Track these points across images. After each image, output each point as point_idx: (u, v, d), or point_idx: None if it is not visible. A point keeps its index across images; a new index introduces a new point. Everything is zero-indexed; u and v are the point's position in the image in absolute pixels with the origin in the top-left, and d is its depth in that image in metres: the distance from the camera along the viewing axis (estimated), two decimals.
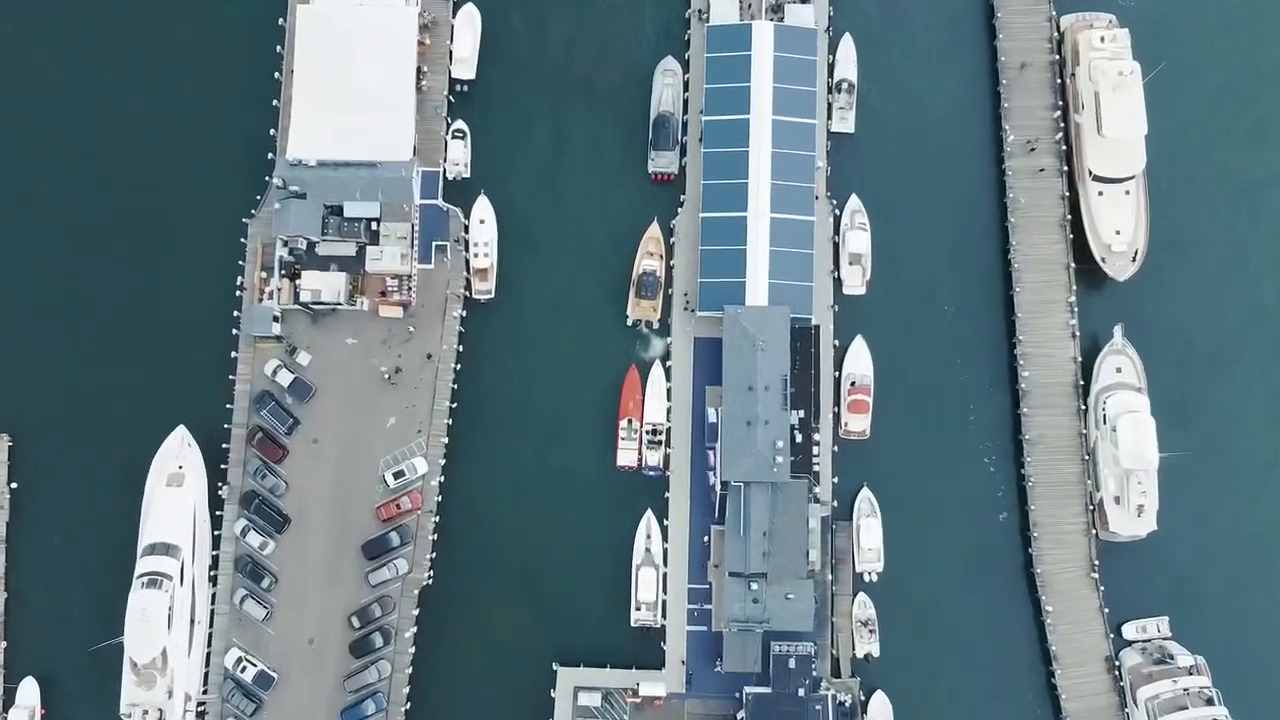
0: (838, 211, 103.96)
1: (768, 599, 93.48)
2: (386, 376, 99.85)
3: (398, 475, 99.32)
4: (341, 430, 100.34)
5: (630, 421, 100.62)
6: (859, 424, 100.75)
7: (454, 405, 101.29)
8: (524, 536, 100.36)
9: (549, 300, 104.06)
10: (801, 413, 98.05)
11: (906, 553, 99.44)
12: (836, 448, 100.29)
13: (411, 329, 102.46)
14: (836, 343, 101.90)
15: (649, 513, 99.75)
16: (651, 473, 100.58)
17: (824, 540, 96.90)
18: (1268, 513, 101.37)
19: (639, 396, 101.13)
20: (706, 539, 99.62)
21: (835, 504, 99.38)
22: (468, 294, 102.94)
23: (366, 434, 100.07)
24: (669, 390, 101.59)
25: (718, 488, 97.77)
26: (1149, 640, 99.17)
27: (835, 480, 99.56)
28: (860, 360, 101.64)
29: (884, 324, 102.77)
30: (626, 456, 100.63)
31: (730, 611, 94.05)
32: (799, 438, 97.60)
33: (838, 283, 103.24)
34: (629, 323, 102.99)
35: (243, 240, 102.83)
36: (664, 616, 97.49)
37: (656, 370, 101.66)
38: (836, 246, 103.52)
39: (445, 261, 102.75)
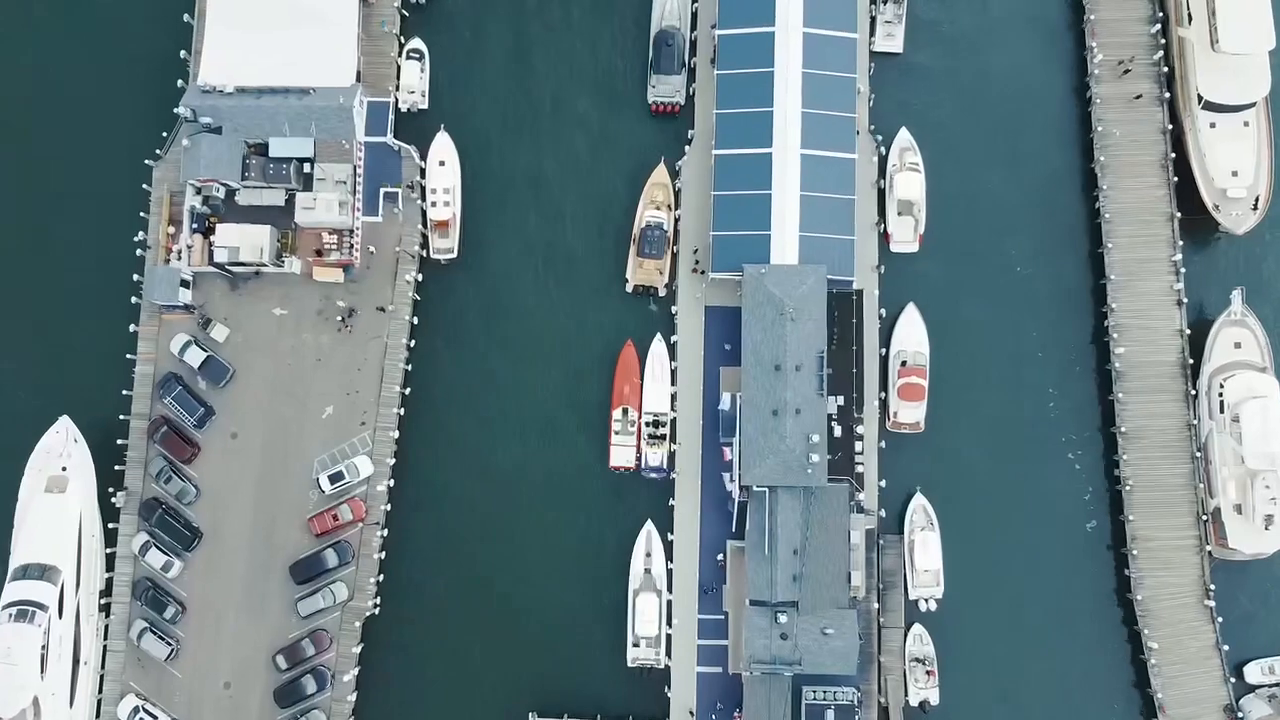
0: (883, 149, 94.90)
1: (799, 634, 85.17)
2: (340, 321, 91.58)
3: (336, 478, 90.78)
4: (266, 422, 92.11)
5: (626, 411, 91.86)
6: (911, 414, 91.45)
7: (406, 392, 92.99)
8: (494, 555, 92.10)
9: (526, 262, 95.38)
10: (841, 399, 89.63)
11: (972, 574, 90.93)
12: (884, 443, 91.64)
13: (349, 308, 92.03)
14: (883, 312, 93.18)
15: (649, 525, 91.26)
16: (653, 475, 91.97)
17: (869, 560, 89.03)
18: None
19: (636, 380, 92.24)
20: (720, 558, 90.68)
21: (883, 514, 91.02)
22: (424, 253, 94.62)
23: (297, 427, 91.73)
24: (674, 372, 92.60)
25: (736, 494, 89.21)
26: (1278, 685, 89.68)
27: (883, 484, 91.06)
28: (913, 334, 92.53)
29: (942, 289, 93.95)
30: (622, 455, 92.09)
31: (752, 650, 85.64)
32: (838, 431, 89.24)
33: (884, 237, 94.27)
34: (629, 289, 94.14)
35: (145, 187, 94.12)
36: (668, 655, 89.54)
37: (658, 347, 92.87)
38: (882, 192, 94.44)
39: (396, 213, 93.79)
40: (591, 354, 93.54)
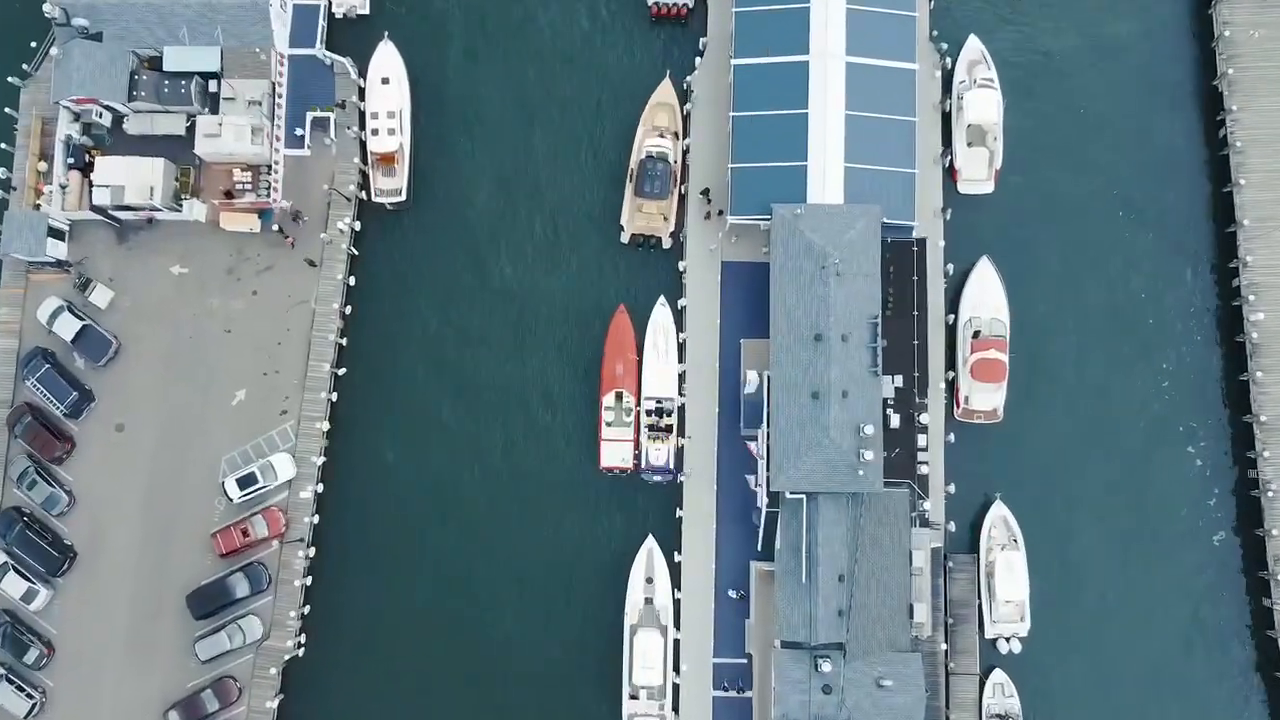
0: (949, 61, 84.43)
1: (847, 686, 75.01)
2: (279, 231, 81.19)
3: (247, 483, 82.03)
4: (160, 411, 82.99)
5: (620, 397, 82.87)
6: (988, 399, 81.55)
7: (340, 373, 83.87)
8: (451, 582, 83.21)
9: (493, 206, 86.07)
10: (899, 380, 79.87)
11: (1065, 605, 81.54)
12: (953, 436, 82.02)
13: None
14: (950, 268, 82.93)
15: (650, 542, 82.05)
16: (656, 478, 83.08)
17: (936, 588, 79.79)
18: None
19: (633, 357, 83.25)
20: (733, 593, 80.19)
21: (953, 528, 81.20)
22: (364, 196, 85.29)
23: (199, 417, 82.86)
24: (682, 346, 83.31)
25: (763, 502, 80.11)
26: None
27: (951, 489, 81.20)
28: (988, 296, 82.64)
29: (1024, 239, 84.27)
30: (615, 453, 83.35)
31: (785, 707, 75.45)
32: (895, 420, 79.47)
33: (950, 173, 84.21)
34: (624, 239, 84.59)
35: (10, 112, 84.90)
36: (675, 711, 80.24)
37: (661, 314, 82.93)
38: (948, 116, 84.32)
39: (328, 144, 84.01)
40: (577, 324, 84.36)
